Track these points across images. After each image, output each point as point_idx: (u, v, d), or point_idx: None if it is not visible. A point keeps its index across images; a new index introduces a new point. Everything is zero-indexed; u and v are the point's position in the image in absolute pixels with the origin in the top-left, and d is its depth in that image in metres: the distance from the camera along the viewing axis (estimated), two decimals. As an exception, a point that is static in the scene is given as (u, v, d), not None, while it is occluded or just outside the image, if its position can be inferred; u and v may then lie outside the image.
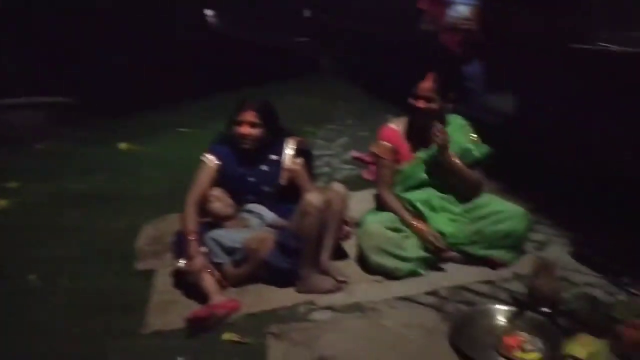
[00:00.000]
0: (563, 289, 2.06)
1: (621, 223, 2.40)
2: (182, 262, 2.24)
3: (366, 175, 3.49)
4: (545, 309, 1.94)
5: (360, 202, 2.85)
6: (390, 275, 2.32)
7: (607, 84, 2.66)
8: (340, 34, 7.33)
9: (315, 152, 4.16)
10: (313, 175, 2.65)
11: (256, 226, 2.41)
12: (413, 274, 2.32)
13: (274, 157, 2.50)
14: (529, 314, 1.95)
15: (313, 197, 2.25)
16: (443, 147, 2.36)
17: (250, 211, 2.47)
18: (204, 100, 5.76)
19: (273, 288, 2.31)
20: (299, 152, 2.53)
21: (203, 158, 2.47)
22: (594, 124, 2.83)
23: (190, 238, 2.24)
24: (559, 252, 2.42)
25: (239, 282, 2.32)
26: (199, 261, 2.19)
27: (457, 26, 3.51)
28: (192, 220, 2.30)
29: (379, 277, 2.34)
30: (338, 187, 2.41)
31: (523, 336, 1.84)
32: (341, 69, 7.09)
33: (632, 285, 2.01)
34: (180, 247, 2.29)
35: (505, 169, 3.12)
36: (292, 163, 2.49)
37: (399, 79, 2.49)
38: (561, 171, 2.95)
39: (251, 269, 2.30)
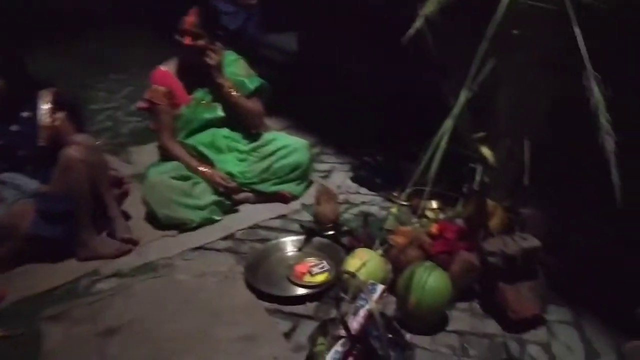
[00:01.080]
0: (343, 211, 2.21)
1: (391, 145, 2.64)
2: None
3: (154, 125, 3.23)
4: (329, 232, 2.06)
5: (150, 155, 2.64)
6: (183, 226, 2.20)
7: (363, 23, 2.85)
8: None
9: (96, 106, 3.73)
10: (83, 131, 2.32)
11: (12, 199, 2.02)
12: (208, 221, 2.24)
13: (26, 114, 2.11)
14: (317, 239, 2.06)
15: (72, 150, 1.97)
16: (216, 68, 2.30)
17: (3, 182, 2.06)
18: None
19: (48, 264, 2.02)
20: (59, 106, 2.17)
21: None
22: (364, 60, 3.03)
23: None
24: (341, 177, 2.59)
25: (1, 267, 1.96)
26: None
27: None
28: None
29: (172, 232, 2.21)
30: (83, 138, 2.11)
31: (311, 261, 1.94)
32: (120, 9, 6.27)
33: (399, 197, 2.25)
34: None
35: (289, 107, 3.21)
36: (50, 119, 2.12)
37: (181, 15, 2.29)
38: (341, 104, 3.14)
39: (12, 249, 1.96)
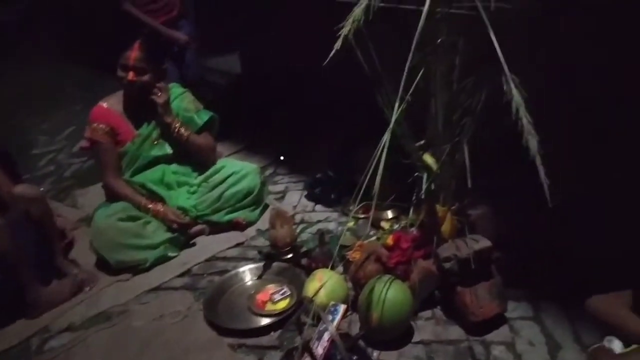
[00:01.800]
0: (301, 231, 2.17)
1: (343, 158, 2.62)
2: None
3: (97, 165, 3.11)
4: (287, 256, 2.02)
5: (96, 196, 2.53)
6: (137, 268, 2.12)
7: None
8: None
9: (37, 151, 3.59)
10: (21, 179, 2.22)
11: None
12: (162, 259, 2.16)
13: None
14: (276, 264, 2.02)
15: None
16: (164, 106, 2.22)
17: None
18: None
19: (-8, 329, 1.90)
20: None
21: None
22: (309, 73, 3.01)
23: None
24: (297, 197, 2.55)
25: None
26: None
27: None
28: None
29: (126, 275, 2.12)
30: (24, 188, 2.03)
31: (272, 288, 1.89)
32: (59, 43, 6.01)
33: (355, 211, 2.22)
34: None
35: (237, 130, 3.15)
36: (-17, 173, 2.02)
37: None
38: (290, 121, 3.11)
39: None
